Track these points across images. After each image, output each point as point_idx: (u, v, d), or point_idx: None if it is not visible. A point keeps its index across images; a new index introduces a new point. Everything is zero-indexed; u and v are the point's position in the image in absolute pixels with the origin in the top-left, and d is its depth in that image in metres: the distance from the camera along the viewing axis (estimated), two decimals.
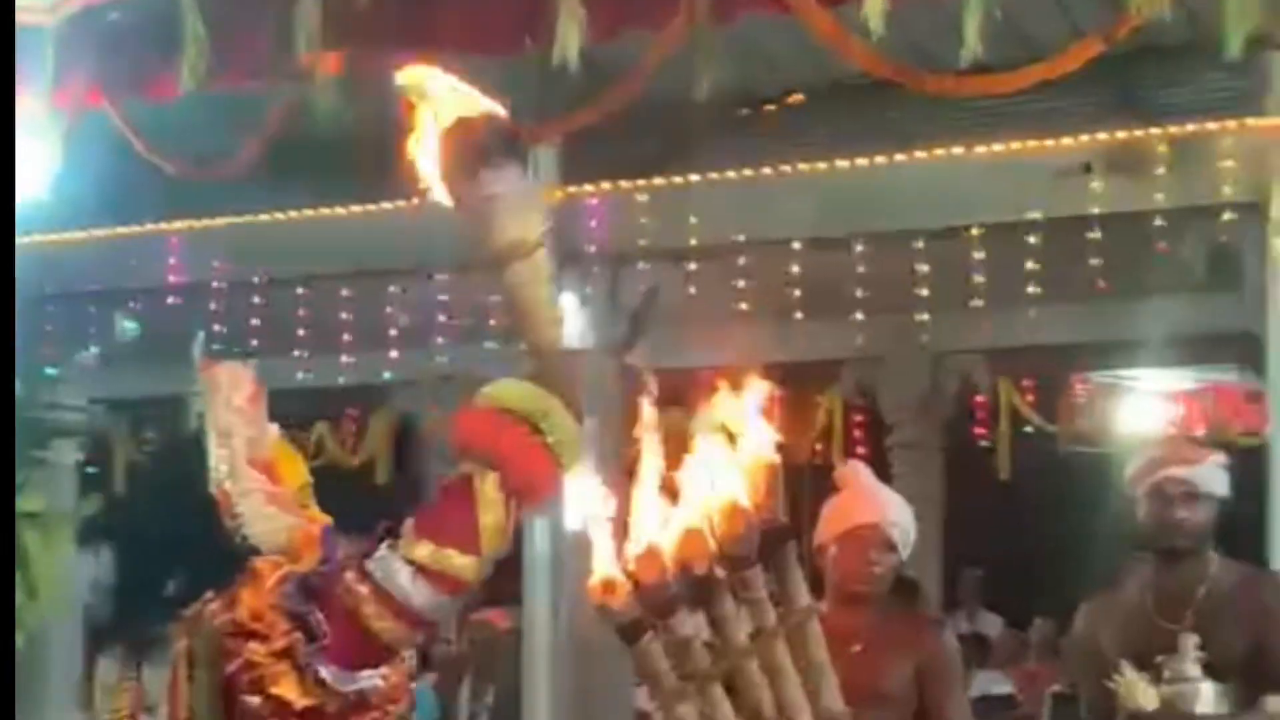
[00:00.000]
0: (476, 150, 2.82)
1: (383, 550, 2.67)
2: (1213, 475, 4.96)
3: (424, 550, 2.63)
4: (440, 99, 2.86)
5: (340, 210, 10.38)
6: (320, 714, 2.62)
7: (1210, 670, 4.69)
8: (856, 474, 5.17)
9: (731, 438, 3.13)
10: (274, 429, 3.01)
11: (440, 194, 2.88)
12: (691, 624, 3.16)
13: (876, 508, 5.02)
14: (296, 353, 10.80)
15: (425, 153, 2.87)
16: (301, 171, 9.59)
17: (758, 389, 3.16)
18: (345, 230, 10.35)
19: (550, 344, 2.82)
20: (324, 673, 2.61)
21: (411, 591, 2.62)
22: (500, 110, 2.89)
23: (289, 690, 2.59)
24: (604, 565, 3.01)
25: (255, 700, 2.61)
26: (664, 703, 3.19)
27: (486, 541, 2.68)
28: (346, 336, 10.80)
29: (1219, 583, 4.83)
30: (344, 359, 10.99)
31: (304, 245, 10.33)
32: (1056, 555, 11.38)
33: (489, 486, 2.69)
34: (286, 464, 2.99)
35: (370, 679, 2.68)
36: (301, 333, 10.76)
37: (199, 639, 2.73)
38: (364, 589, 2.62)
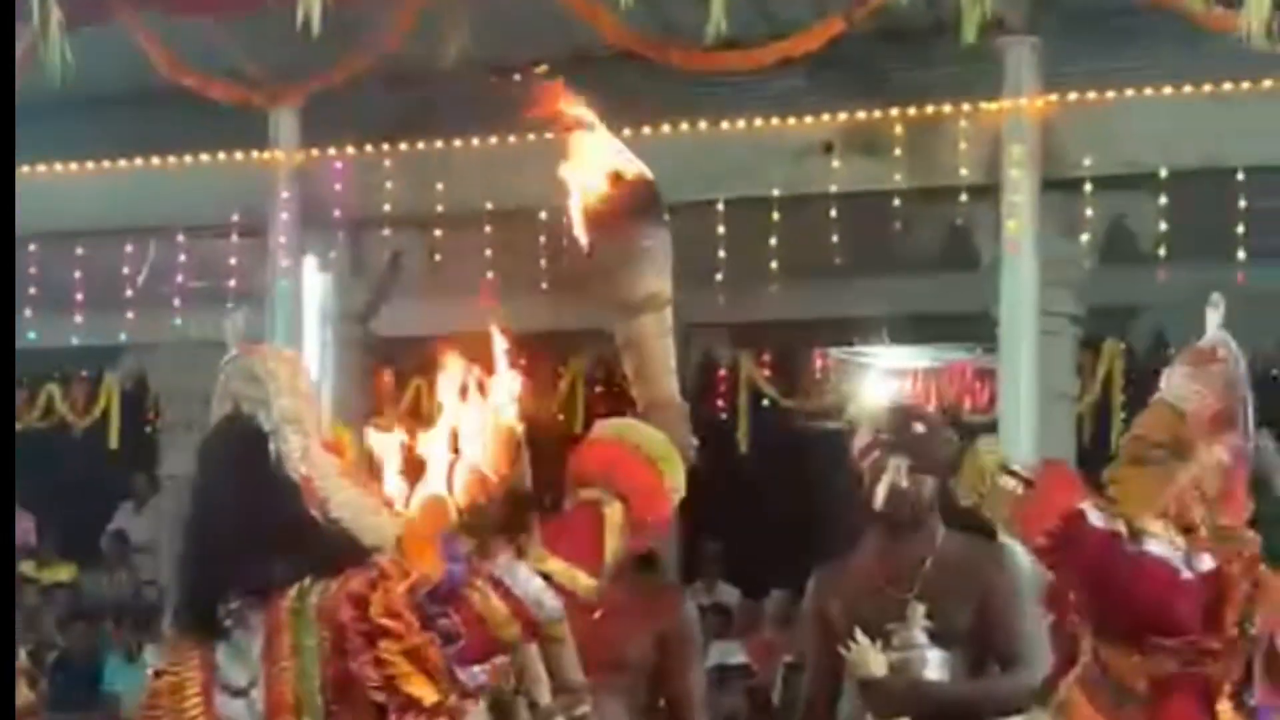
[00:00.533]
0: (636, 205, 3.16)
1: (507, 560, 2.87)
2: None
3: (557, 565, 2.86)
4: (592, 151, 3.22)
5: (75, 166, 10.09)
6: (441, 707, 2.76)
7: (937, 638, 4.80)
8: None
9: (475, 406, 3.13)
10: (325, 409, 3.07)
11: (580, 237, 3.16)
12: None
13: None
14: (27, 312, 10.49)
15: (574, 198, 3.17)
16: (32, 124, 9.30)
17: (501, 358, 3.17)
18: (80, 186, 10.06)
19: (667, 394, 3.10)
20: (460, 673, 2.78)
21: (543, 600, 2.83)
22: (648, 170, 3.22)
23: (420, 687, 2.73)
24: None
25: (382, 696, 2.74)
26: None
27: (606, 566, 2.92)
28: (79, 296, 10.51)
29: (945, 553, 4.93)
30: (76, 319, 10.70)
31: (34, 201, 10.02)
32: (794, 527, 11.55)
33: (616, 515, 2.91)
34: (346, 446, 3.05)
35: (484, 671, 2.88)
36: (32, 291, 10.44)
37: (305, 632, 2.81)
38: (495, 594, 2.81)
